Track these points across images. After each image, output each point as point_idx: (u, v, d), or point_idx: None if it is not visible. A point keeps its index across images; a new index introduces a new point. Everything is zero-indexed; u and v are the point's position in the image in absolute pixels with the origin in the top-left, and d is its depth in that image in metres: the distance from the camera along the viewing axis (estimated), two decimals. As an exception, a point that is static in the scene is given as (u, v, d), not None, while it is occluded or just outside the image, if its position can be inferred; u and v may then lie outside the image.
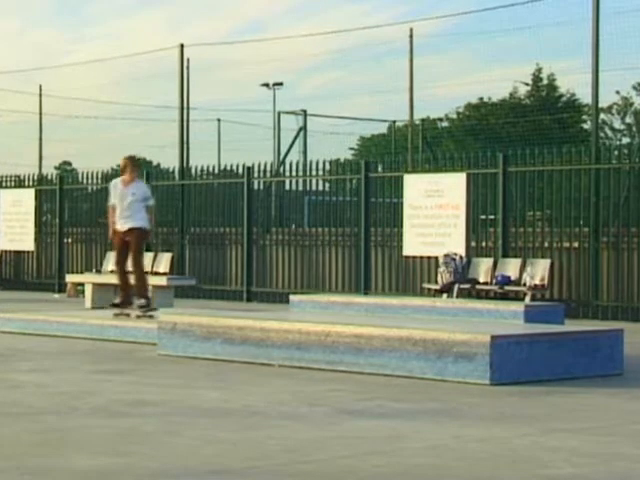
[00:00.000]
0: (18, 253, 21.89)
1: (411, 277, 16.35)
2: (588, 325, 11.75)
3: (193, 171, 20.37)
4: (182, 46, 23.90)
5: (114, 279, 16.75)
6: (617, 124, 42.47)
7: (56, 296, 19.20)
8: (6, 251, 21.95)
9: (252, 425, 6.34)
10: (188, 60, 24.69)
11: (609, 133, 41.75)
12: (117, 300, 11.99)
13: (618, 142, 39.72)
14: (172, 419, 6.54)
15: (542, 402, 7.37)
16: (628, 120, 42.29)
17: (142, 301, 11.69)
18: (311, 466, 5.24)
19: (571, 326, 9.99)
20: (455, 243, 15.40)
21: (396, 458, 5.46)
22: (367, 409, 6.98)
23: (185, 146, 24.40)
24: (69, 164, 69.21)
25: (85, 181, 21.89)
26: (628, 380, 8.41)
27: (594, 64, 16.20)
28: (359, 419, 6.60)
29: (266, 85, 45.76)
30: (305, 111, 31.80)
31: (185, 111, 24.63)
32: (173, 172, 20.90)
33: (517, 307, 9.82)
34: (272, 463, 5.28)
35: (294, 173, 19.01)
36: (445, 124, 40.17)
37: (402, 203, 16.39)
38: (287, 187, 19.79)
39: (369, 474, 5.09)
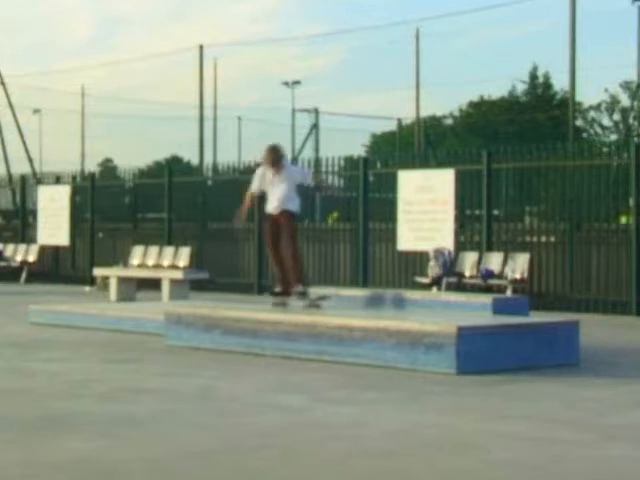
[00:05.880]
0: (56, 247, 22.19)
1: (405, 271, 16.50)
2: (552, 317, 11.84)
3: (204, 167, 20.52)
4: (201, 47, 24.13)
5: (139, 273, 17.17)
6: (606, 121, 42.41)
7: (86, 289, 19.23)
8: (46, 245, 22.21)
9: (233, 412, 6.58)
10: (215, 60, 24.78)
11: (598, 130, 41.68)
12: (277, 289, 10.44)
13: (606, 139, 39.64)
14: (161, 406, 6.78)
15: (499, 390, 7.56)
16: (615, 117, 42.18)
17: (300, 287, 10.11)
18: (276, 450, 5.48)
19: (531, 318, 10.13)
20: (444, 238, 15.54)
21: (353, 442, 5.69)
22: (339, 397, 7.20)
23: (212, 143, 24.62)
24: (110, 161, 69.70)
25: (122, 176, 22.32)
26: (581, 369, 8.57)
27: (571, 63, 16.23)
28: (330, 406, 6.83)
29: (286, 84, 45.95)
30: (317, 109, 32.00)
31: (214, 109, 24.85)
32: (194, 168, 21.13)
33: (486, 299, 10.00)
34: (245, 445, 5.52)
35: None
36: (449, 122, 40.19)
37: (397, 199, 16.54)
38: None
39: (324, 457, 5.32)
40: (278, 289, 10.34)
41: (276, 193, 10.26)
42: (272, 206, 10.30)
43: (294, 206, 10.22)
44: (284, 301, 10.22)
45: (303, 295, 10.04)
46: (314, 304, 10.01)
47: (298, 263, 10.14)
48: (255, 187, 10.52)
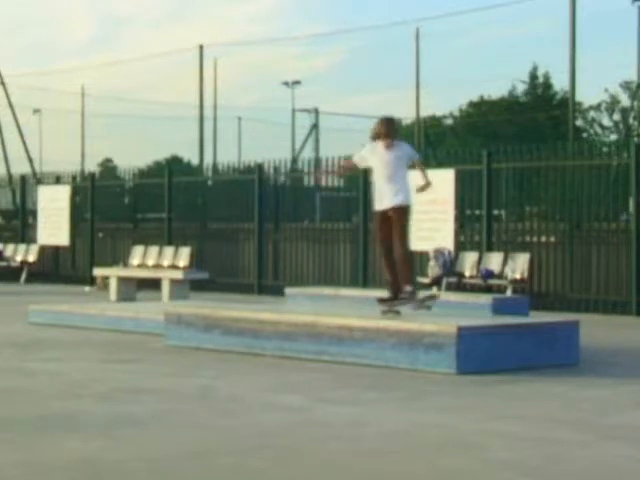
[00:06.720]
0: (56, 247, 22.17)
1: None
2: (552, 317, 11.82)
3: (204, 167, 20.57)
4: (201, 47, 24.14)
5: (139, 272, 17.16)
6: (606, 121, 42.43)
7: (86, 289, 19.11)
8: (46, 245, 22.18)
9: (233, 412, 6.59)
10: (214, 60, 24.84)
11: (598, 130, 41.72)
12: (386, 295, 9.47)
13: (606, 139, 39.67)
14: (161, 406, 6.79)
15: (499, 390, 7.56)
16: (615, 117, 42.20)
17: (409, 287, 9.19)
18: (276, 450, 5.49)
19: (531, 318, 10.13)
20: (444, 238, 15.54)
21: (353, 442, 5.70)
22: (339, 397, 7.21)
23: (212, 143, 24.65)
24: (110, 161, 69.73)
25: (122, 176, 22.38)
26: (581, 369, 8.58)
27: (571, 63, 16.22)
28: (330, 406, 6.84)
29: (286, 84, 46.02)
30: (317, 109, 32.03)
31: (214, 109, 24.87)
32: (194, 168, 21.17)
33: (486, 299, 9.98)
34: (245, 445, 5.53)
35: (305, 169, 19.15)
36: (449, 122, 40.20)
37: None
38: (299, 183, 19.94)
39: (324, 457, 5.33)
40: (386, 296, 9.39)
41: (386, 182, 9.20)
42: (383, 201, 9.23)
43: (406, 198, 9.20)
44: (394, 308, 9.20)
45: (412, 295, 9.12)
46: (424, 305, 9.14)
47: (409, 263, 9.26)
48: (358, 157, 9.51)
